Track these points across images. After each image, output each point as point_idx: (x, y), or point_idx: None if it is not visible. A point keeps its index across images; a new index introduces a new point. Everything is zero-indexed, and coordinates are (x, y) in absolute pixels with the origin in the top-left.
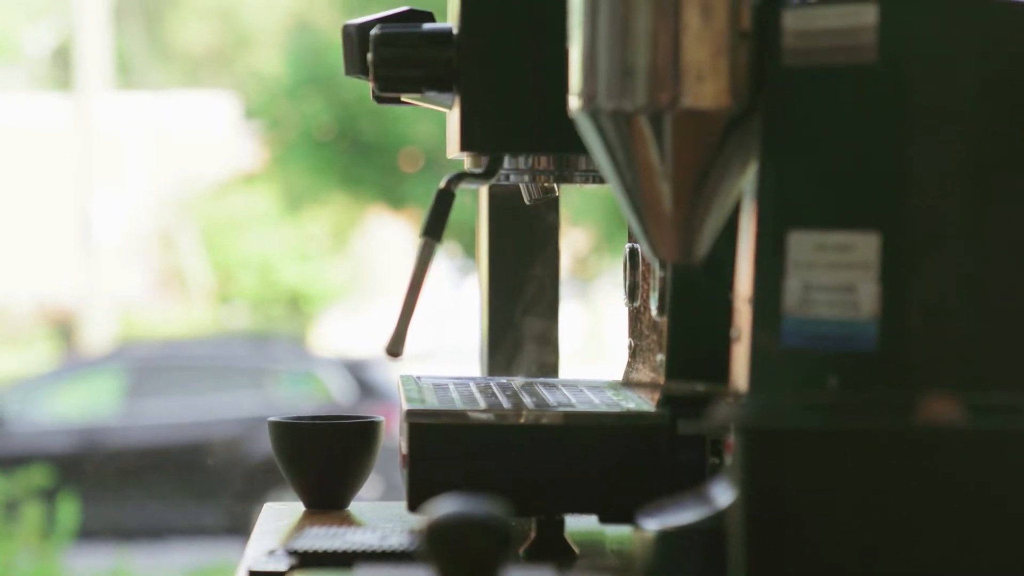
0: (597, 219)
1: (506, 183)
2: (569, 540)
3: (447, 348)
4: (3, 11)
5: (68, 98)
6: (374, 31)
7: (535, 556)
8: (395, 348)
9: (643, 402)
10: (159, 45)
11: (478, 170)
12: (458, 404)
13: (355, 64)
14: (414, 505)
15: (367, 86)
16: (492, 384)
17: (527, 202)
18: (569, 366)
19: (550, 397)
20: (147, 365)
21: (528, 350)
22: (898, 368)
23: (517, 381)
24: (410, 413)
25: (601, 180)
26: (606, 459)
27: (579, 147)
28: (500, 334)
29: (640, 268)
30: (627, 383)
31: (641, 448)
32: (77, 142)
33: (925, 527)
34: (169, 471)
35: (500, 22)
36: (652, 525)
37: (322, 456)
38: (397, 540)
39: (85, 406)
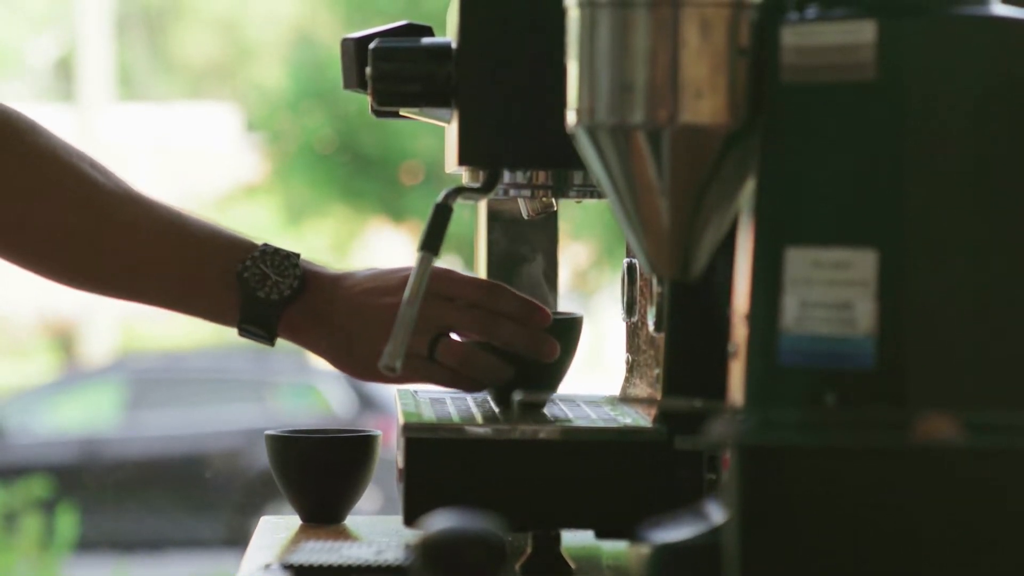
0: (597, 233)
1: (504, 197)
2: (565, 555)
3: None
4: (5, 23)
5: (70, 110)
6: (373, 45)
7: (531, 571)
8: (391, 362)
9: (640, 418)
10: (161, 57)
11: (476, 184)
12: (455, 419)
13: (353, 78)
14: (410, 519)
15: (368, 99)
16: (489, 399)
17: (525, 217)
18: (567, 381)
19: (547, 412)
20: (147, 377)
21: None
22: (896, 385)
23: (514, 396)
24: (407, 427)
25: (600, 195)
26: (603, 474)
27: (577, 162)
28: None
29: (638, 283)
30: (624, 398)
31: (638, 464)
32: None
33: (922, 545)
34: (168, 483)
35: (499, 37)
36: (649, 541)
37: (319, 470)
38: (393, 555)
39: (85, 417)
